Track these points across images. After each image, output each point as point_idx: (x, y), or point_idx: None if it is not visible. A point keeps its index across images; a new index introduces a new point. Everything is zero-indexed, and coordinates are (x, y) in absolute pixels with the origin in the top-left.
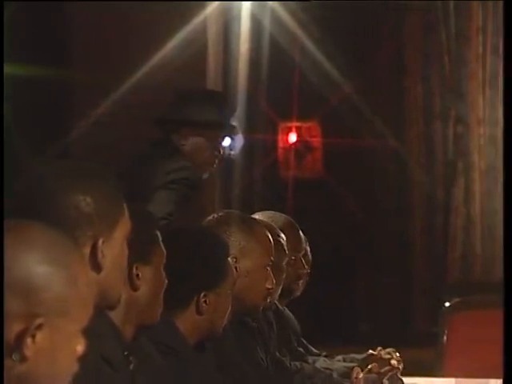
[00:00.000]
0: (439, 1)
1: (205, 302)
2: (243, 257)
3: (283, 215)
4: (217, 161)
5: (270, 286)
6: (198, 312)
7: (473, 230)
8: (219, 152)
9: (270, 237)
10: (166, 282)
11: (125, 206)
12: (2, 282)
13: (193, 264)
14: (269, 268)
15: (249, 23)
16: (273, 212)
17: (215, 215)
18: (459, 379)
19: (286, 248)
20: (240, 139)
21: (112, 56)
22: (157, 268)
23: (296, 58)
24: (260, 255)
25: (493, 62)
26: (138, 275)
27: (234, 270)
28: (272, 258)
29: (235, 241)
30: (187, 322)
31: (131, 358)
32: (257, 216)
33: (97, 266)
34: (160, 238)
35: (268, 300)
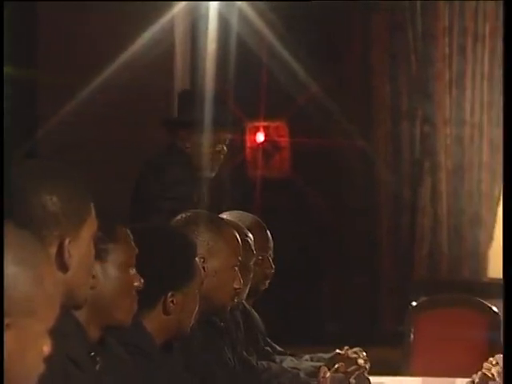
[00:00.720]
0: (406, 0)
1: (172, 302)
2: (211, 257)
3: (251, 215)
4: (222, 157)
5: (237, 286)
6: (165, 312)
7: (439, 230)
8: (223, 148)
9: (237, 237)
10: (138, 282)
11: (92, 205)
12: (2, 282)
13: (160, 264)
14: (236, 268)
15: (216, 22)
16: (240, 212)
17: (183, 215)
18: (426, 378)
19: (253, 248)
20: None
21: (79, 55)
22: (120, 267)
23: (263, 57)
24: (228, 255)
25: (459, 62)
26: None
27: (202, 269)
28: (240, 258)
29: (203, 241)
30: (154, 322)
31: (98, 359)
32: (224, 216)
33: (63, 266)
34: (131, 237)
35: (235, 300)
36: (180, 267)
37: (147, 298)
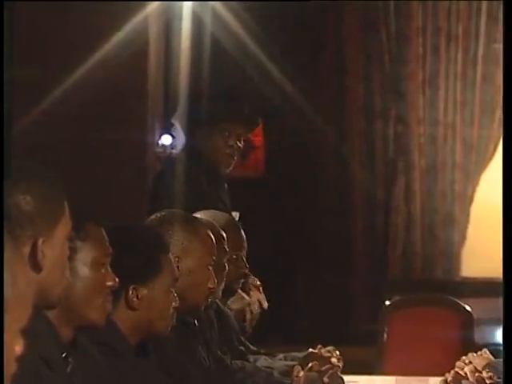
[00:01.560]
0: (380, 1)
1: (136, 296)
2: (185, 256)
3: (225, 214)
4: (236, 152)
5: (211, 286)
6: (130, 307)
7: (413, 229)
8: (236, 144)
9: (212, 236)
10: (112, 282)
11: (66, 204)
12: (2, 282)
13: (121, 257)
14: (211, 268)
15: (190, 22)
16: (215, 211)
17: (158, 214)
18: (399, 377)
19: (226, 246)
20: (181, 138)
21: (53, 55)
22: (92, 265)
23: (237, 56)
24: (202, 255)
25: (432, 62)
26: None
27: (176, 268)
28: (214, 258)
29: (177, 240)
30: (124, 320)
31: (70, 359)
32: (199, 215)
33: (36, 266)
34: (105, 237)
35: (210, 299)
36: (142, 261)
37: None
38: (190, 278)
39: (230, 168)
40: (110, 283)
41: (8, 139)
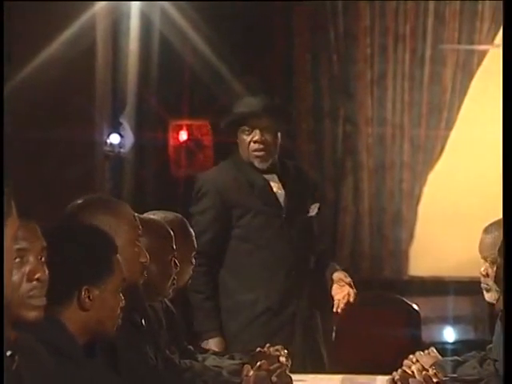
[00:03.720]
0: (328, 1)
1: (88, 297)
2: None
3: (175, 214)
4: (267, 146)
5: (143, 260)
6: (82, 308)
7: (361, 228)
8: (263, 137)
9: (133, 214)
10: (40, 273)
11: (13, 204)
12: (2, 281)
13: (74, 258)
14: (139, 243)
15: (138, 21)
16: (165, 211)
17: (80, 200)
18: (346, 376)
19: (173, 244)
20: (130, 137)
21: None
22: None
23: (186, 56)
24: (127, 231)
25: (380, 62)
26: None
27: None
28: (140, 232)
29: (102, 223)
30: (74, 320)
31: (16, 358)
32: (151, 215)
33: None
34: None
35: (145, 274)
36: (94, 262)
37: (63, 293)
38: (122, 257)
39: (267, 163)
40: (38, 275)
41: None
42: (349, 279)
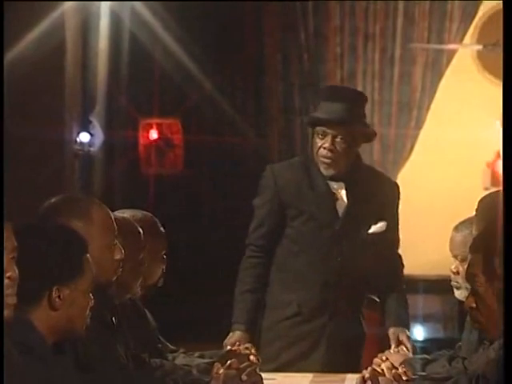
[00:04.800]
0: (298, 1)
1: (58, 297)
2: (89, 239)
3: (145, 212)
4: (333, 154)
5: (118, 257)
6: (52, 307)
7: None
8: (332, 145)
9: (110, 214)
10: (11, 272)
11: None
12: (2, 281)
13: (44, 258)
14: (115, 242)
15: (108, 19)
16: (134, 210)
17: (52, 200)
18: (317, 374)
19: (143, 242)
20: (100, 136)
21: None
22: None
23: (156, 54)
24: (101, 229)
25: (350, 62)
26: None
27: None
28: (116, 233)
29: (76, 223)
30: (43, 319)
31: None
32: (120, 213)
33: None
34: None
35: (119, 270)
36: (65, 261)
37: (33, 293)
38: (97, 259)
39: (333, 170)
40: (8, 274)
41: None
42: (410, 345)
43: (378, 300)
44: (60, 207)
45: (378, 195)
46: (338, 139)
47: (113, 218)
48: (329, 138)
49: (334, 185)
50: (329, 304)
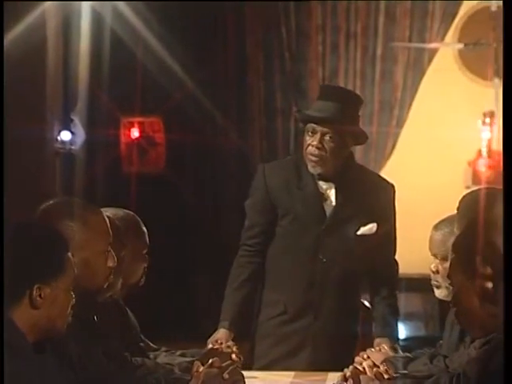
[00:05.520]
0: (279, 1)
1: (39, 295)
2: (81, 246)
3: (126, 211)
4: (322, 152)
5: (111, 265)
6: (33, 306)
7: None
8: (320, 143)
9: (105, 219)
10: None
11: None
12: (2, 280)
13: (25, 256)
14: (109, 248)
15: (89, 18)
16: (116, 208)
17: (47, 203)
18: (299, 372)
19: (124, 240)
20: (81, 134)
21: None
22: None
23: (138, 53)
24: (96, 241)
25: (332, 60)
26: None
27: (73, 261)
28: (110, 241)
29: (70, 230)
30: (24, 318)
31: None
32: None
33: None
34: None
35: (111, 278)
36: (46, 260)
37: (14, 292)
38: (88, 266)
39: (320, 169)
40: None
41: None
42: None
43: (369, 307)
44: (56, 210)
45: (370, 196)
46: (326, 137)
47: (109, 225)
48: (317, 136)
49: (323, 185)
50: (314, 304)
